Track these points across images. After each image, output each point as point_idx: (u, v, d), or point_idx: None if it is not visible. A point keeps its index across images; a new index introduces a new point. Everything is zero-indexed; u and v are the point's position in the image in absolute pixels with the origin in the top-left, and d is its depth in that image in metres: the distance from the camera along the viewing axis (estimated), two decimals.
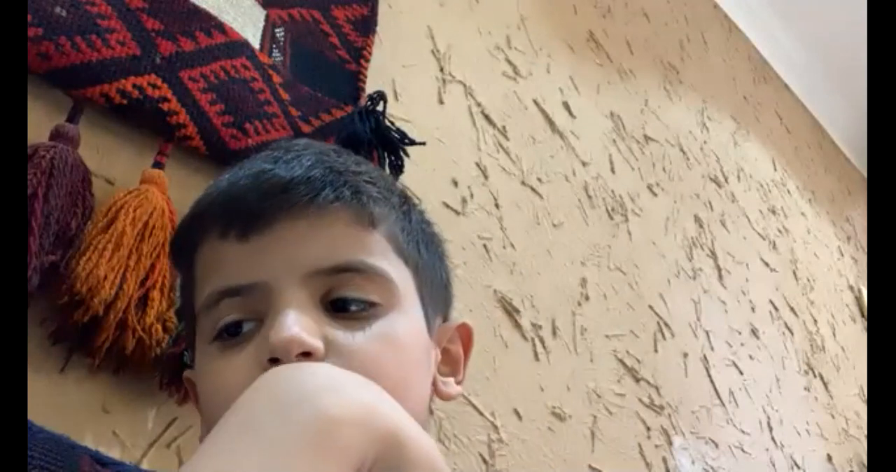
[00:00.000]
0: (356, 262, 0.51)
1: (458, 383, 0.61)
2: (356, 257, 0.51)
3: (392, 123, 1.07)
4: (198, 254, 0.54)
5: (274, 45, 1.04)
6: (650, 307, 1.66)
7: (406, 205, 0.59)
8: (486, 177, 1.37)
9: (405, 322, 0.52)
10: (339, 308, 0.50)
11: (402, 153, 1.04)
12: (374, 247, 0.53)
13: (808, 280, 2.43)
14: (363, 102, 1.09)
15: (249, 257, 0.50)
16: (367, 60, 1.17)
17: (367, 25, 1.20)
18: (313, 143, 0.58)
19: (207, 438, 0.36)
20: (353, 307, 0.50)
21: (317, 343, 0.46)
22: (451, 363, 0.61)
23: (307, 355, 0.46)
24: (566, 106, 1.66)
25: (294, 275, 0.49)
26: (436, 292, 0.59)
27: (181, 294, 0.60)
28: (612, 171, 1.73)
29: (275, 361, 0.46)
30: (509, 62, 1.55)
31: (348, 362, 0.46)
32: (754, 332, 2.02)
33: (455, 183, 1.30)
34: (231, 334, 0.50)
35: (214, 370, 0.49)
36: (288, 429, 0.35)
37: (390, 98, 1.15)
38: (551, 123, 1.60)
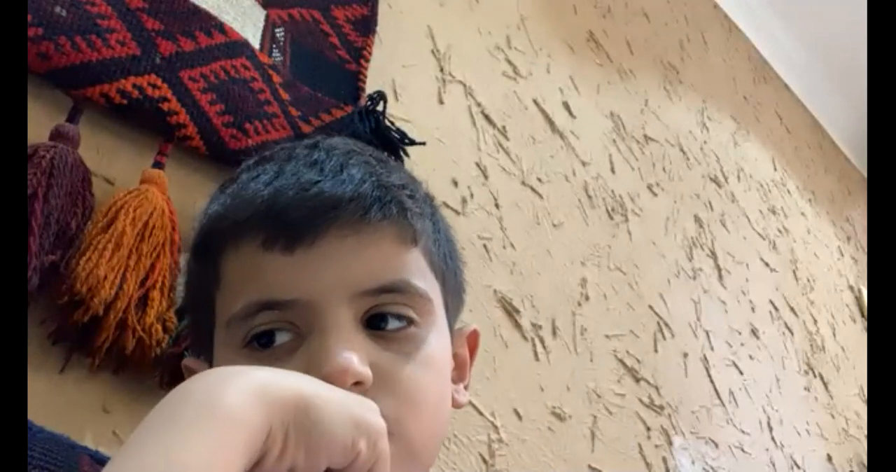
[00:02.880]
0: (401, 282, 0.51)
1: (466, 387, 0.61)
2: (400, 278, 0.51)
3: (392, 123, 1.07)
4: (230, 258, 0.52)
5: (274, 45, 1.04)
6: (650, 307, 1.66)
7: (436, 214, 0.59)
8: (486, 177, 1.37)
9: (439, 341, 0.53)
10: (378, 327, 0.50)
11: (402, 153, 1.04)
12: (413, 265, 0.53)
13: (808, 280, 2.43)
14: (363, 102, 1.09)
15: (294, 272, 0.49)
16: (367, 60, 1.17)
17: (367, 25, 1.20)
18: (350, 144, 0.57)
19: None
20: (393, 327, 0.51)
21: (367, 373, 0.47)
22: (458, 368, 0.62)
23: (357, 383, 0.47)
24: (566, 106, 1.66)
25: (340, 294, 0.49)
26: (456, 299, 0.60)
27: (192, 289, 0.58)
28: (612, 171, 1.73)
29: None
30: (509, 62, 1.55)
31: (394, 390, 0.48)
32: (754, 332, 2.02)
33: (455, 183, 1.30)
34: (262, 345, 0.49)
35: None
36: (175, 420, 0.36)
37: (390, 98, 1.15)
38: (551, 123, 1.60)
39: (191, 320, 0.60)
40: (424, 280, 0.53)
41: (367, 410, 0.42)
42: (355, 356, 0.47)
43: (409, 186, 0.56)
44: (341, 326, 0.48)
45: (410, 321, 0.51)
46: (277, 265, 0.50)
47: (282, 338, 0.49)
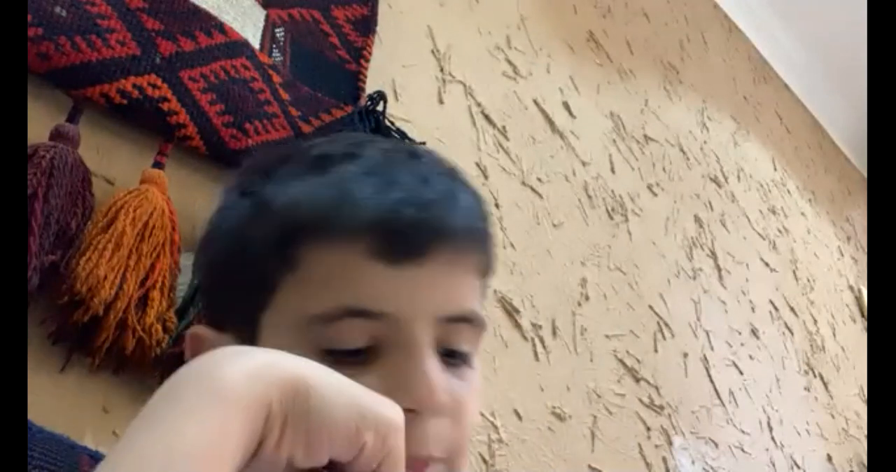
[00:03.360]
0: (474, 314, 0.52)
1: None
2: (473, 308, 0.52)
3: (392, 123, 1.07)
4: (318, 252, 0.50)
5: (274, 45, 1.04)
6: (650, 307, 1.66)
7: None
8: (486, 177, 1.37)
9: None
10: (448, 353, 0.51)
11: None
12: (479, 295, 0.55)
13: (808, 280, 2.43)
14: (363, 102, 1.09)
15: (395, 286, 0.49)
16: (367, 60, 1.17)
17: (367, 25, 1.20)
18: (434, 156, 0.58)
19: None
20: (459, 355, 0.52)
21: (449, 401, 0.48)
22: None
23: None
24: (566, 106, 1.66)
25: (429, 316, 0.50)
26: None
27: (237, 254, 0.54)
28: (612, 171, 1.73)
29: (409, 411, 0.46)
30: (509, 62, 1.55)
31: (459, 419, 0.50)
32: (754, 332, 2.02)
33: None
34: (341, 353, 0.49)
35: None
36: (176, 402, 0.37)
37: (390, 98, 1.15)
38: (551, 123, 1.60)
39: (215, 283, 0.56)
40: (482, 310, 0.55)
41: (379, 403, 0.41)
42: (444, 382, 0.48)
43: (489, 215, 0.58)
44: (427, 347, 0.49)
45: (470, 351, 0.53)
46: (379, 276, 0.49)
47: (357, 346, 0.49)
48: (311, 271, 0.50)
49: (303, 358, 0.41)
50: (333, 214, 0.50)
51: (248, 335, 0.51)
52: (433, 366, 0.48)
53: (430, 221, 0.50)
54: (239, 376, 0.38)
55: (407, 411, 0.45)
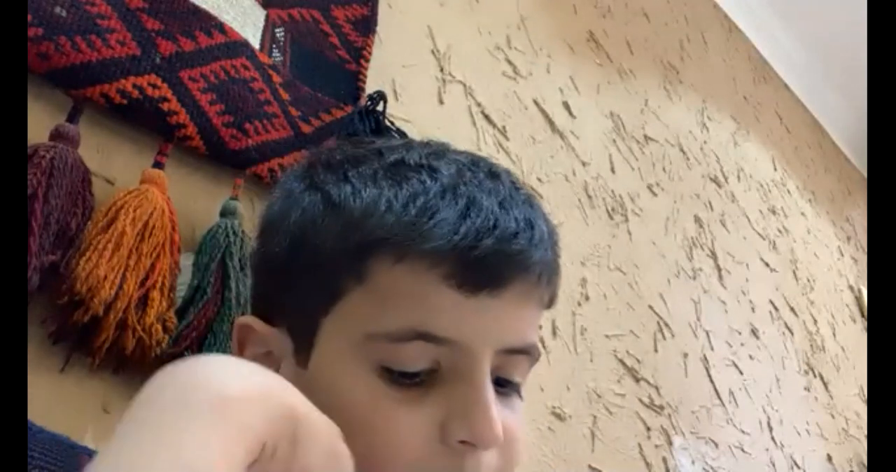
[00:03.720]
0: (533, 347, 0.52)
1: None
2: (532, 341, 0.52)
3: (392, 123, 1.07)
4: (391, 268, 0.49)
5: (274, 45, 1.04)
6: (650, 307, 1.66)
7: None
8: None
9: None
10: (501, 383, 0.51)
11: None
12: (537, 327, 0.54)
13: (808, 280, 2.43)
14: (363, 101, 1.09)
15: (467, 314, 0.49)
16: (367, 60, 1.17)
17: (367, 25, 1.20)
18: (512, 177, 0.57)
19: (115, 434, 0.36)
20: (511, 385, 0.52)
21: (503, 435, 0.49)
22: None
23: None
24: (566, 106, 1.66)
25: (493, 347, 0.50)
26: None
27: (305, 249, 0.52)
28: (612, 171, 1.73)
29: (464, 442, 0.47)
30: (509, 62, 1.55)
31: (508, 451, 0.50)
32: (754, 332, 2.02)
33: None
34: (402, 374, 0.48)
35: (382, 412, 0.48)
36: (188, 411, 0.36)
37: (390, 98, 1.15)
38: (551, 123, 1.60)
39: (275, 277, 0.55)
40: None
41: (340, 440, 0.43)
42: (500, 416, 0.48)
43: (559, 241, 0.58)
44: (488, 378, 0.49)
45: (522, 381, 0.53)
46: (452, 303, 0.48)
47: (418, 369, 0.49)
48: (381, 286, 0.49)
49: (292, 387, 0.42)
50: (413, 236, 0.49)
51: (305, 337, 0.51)
52: (493, 401, 0.48)
53: (510, 254, 0.50)
54: (245, 398, 0.38)
55: (462, 442, 0.47)
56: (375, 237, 0.49)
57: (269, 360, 0.53)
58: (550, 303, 0.56)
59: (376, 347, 0.48)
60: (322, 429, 0.41)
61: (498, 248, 0.49)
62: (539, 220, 0.54)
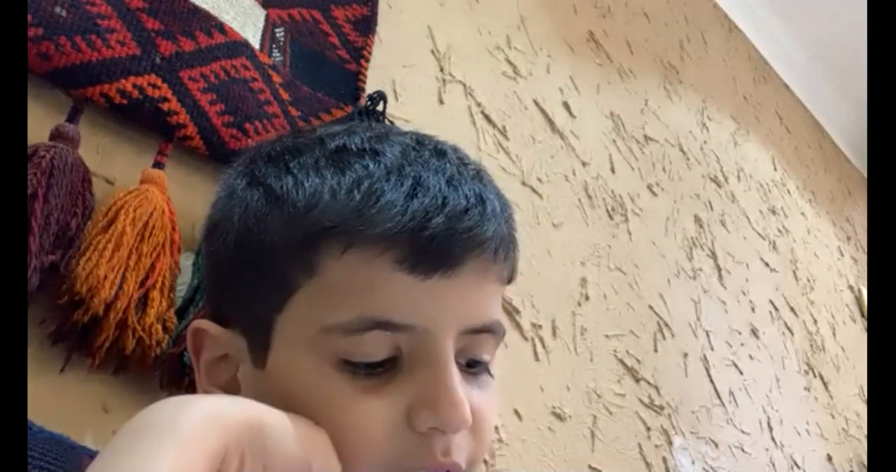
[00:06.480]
0: (496, 324, 0.51)
1: None
2: (495, 318, 0.51)
3: (392, 123, 1.07)
4: (340, 257, 0.47)
5: (274, 45, 1.04)
6: (650, 307, 1.66)
7: None
8: None
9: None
10: (467, 364, 0.50)
11: None
12: (499, 303, 0.53)
13: (808, 280, 2.43)
14: (363, 102, 1.09)
15: (422, 298, 0.47)
16: (367, 60, 1.17)
17: (367, 25, 1.20)
18: (460, 153, 0.55)
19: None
20: (479, 366, 0.51)
21: (472, 416, 0.48)
22: None
23: None
24: (566, 106, 1.66)
25: (454, 328, 0.48)
26: None
27: (252, 247, 0.51)
28: (612, 171, 1.73)
29: (433, 429, 0.46)
30: (509, 62, 1.55)
31: (478, 432, 0.49)
32: (754, 332, 2.02)
33: None
34: (362, 364, 0.47)
35: (346, 406, 0.47)
36: (147, 435, 0.39)
37: (390, 98, 1.15)
38: (551, 123, 1.60)
39: (224, 278, 0.53)
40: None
41: (314, 430, 0.44)
42: (467, 398, 0.47)
43: (513, 215, 0.56)
44: (452, 361, 0.48)
45: (489, 359, 0.52)
46: (406, 287, 0.47)
47: (379, 358, 0.48)
48: (332, 277, 0.48)
49: (254, 402, 0.43)
50: (359, 222, 0.47)
51: (260, 336, 0.50)
52: (459, 383, 0.47)
53: (461, 231, 0.48)
54: (196, 422, 0.39)
55: (432, 428, 0.46)
56: (321, 227, 0.47)
57: (225, 363, 0.52)
58: (511, 278, 0.54)
59: (333, 340, 0.47)
60: (289, 431, 0.42)
61: (448, 226, 0.47)
62: (490, 194, 0.52)
